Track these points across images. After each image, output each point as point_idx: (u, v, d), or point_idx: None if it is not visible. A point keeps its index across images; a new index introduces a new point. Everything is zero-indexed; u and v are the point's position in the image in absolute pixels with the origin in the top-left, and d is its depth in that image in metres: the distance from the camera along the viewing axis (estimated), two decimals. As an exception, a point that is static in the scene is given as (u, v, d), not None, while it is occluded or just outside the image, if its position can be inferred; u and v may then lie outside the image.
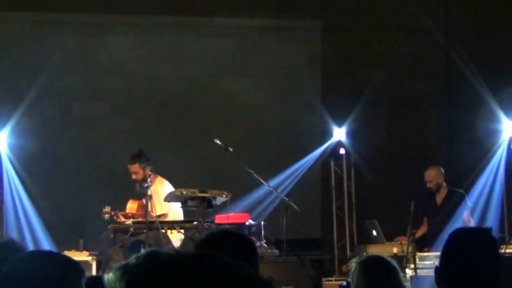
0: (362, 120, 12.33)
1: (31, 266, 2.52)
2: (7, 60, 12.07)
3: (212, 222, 9.47)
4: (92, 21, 12.33)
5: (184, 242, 9.35)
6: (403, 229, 9.60)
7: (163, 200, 9.56)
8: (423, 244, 9.97)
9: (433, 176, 10.33)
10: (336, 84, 12.89)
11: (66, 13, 12.21)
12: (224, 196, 9.33)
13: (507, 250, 9.66)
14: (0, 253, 3.13)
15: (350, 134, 12.33)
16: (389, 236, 10.09)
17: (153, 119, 12.48)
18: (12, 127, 11.38)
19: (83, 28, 12.37)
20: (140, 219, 9.59)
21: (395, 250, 9.57)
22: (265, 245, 9.54)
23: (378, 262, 4.13)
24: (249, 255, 3.10)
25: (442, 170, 10.47)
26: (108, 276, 2.94)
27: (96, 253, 9.63)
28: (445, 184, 10.42)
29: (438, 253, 3.39)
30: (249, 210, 10.68)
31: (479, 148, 12.21)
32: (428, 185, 10.34)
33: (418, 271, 9.07)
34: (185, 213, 9.81)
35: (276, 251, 9.81)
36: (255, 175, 9.76)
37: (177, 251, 1.65)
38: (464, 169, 12.08)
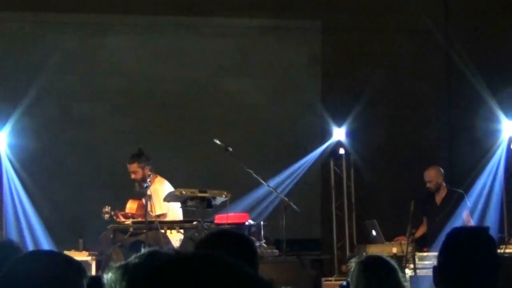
0: (362, 120, 12.34)
1: (31, 266, 2.52)
2: (7, 60, 12.07)
3: (212, 222, 9.47)
4: (92, 21, 12.33)
5: (183, 242, 9.35)
6: (403, 229, 9.61)
7: (163, 200, 9.56)
8: (423, 244, 9.97)
9: (432, 176, 10.33)
10: (336, 84, 12.90)
11: (66, 13, 12.21)
12: (223, 196, 9.33)
13: (507, 250, 9.66)
14: (-2, 254, 3.14)
15: (350, 134, 12.34)
16: (389, 236, 10.09)
17: (153, 119, 12.48)
18: (12, 127, 11.38)
19: (83, 28, 12.37)
20: (139, 219, 9.58)
21: (394, 250, 9.58)
22: (265, 245, 9.54)
23: (377, 262, 4.13)
24: (248, 255, 3.11)
25: (442, 170, 10.47)
26: (108, 276, 2.94)
27: (96, 253, 9.63)
28: (444, 184, 10.42)
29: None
30: (249, 210, 10.69)
31: (479, 148, 12.21)
32: (428, 185, 10.34)
33: (417, 271, 9.07)
34: (185, 213, 9.81)
35: (276, 251, 9.81)
36: (255, 175, 9.76)
37: (177, 251, 1.65)
38: (464, 169, 12.09)
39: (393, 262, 4.13)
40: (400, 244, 9.58)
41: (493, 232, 10.81)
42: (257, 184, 10.34)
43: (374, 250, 9.52)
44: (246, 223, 9.59)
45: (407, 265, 9.13)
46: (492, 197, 11.81)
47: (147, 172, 9.59)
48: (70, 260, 2.62)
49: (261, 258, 7.63)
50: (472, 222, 10.34)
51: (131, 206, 9.85)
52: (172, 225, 9.52)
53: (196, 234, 9.12)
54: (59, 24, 12.30)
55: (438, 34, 12.94)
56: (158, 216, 9.51)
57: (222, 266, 1.52)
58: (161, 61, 12.54)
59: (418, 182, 10.57)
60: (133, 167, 9.72)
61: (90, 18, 12.30)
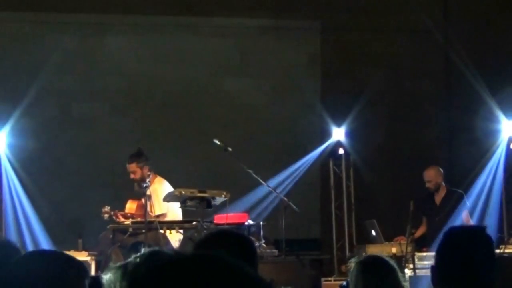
0: (361, 120, 12.34)
1: (32, 266, 2.53)
2: (7, 60, 12.08)
3: (211, 222, 9.46)
4: (92, 21, 12.33)
5: (183, 242, 9.34)
6: (402, 229, 9.61)
7: (162, 200, 9.56)
8: (422, 244, 9.97)
9: (432, 176, 10.33)
10: (335, 84, 12.90)
11: (66, 13, 12.21)
12: (223, 196, 9.32)
13: (506, 250, 9.66)
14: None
15: (349, 134, 12.34)
16: (388, 236, 10.09)
17: (153, 119, 12.48)
18: (11, 127, 11.38)
19: (83, 28, 12.37)
20: (139, 219, 9.58)
21: (394, 250, 9.58)
22: (264, 245, 9.54)
23: (376, 262, 4.13)
24: (248, 255, 3.11)
25: (441, 170, 10.47)
26: (108, 276, 2.95)
27: (95, 253, 9.62)
28: (444, 184, 10.41)
29: (437, 253, 3.40)
30: (248, 210, 10.69)
31: (478, 148, 12.22)
32: (427, 185, 10.34)
33: (417, 271, 9.07)
34: (184, 213, 9.81)
35: (275, 251, 9.81)
36: (254, 175, 9.76)
37: (178, 252, 1.66)
38: (463, 169, 12.09)
39: (392, 262, 4.14)
40: (400, 244, 9.58)
41: (493, 232, 10.85)
42: (257, 184, 10.34)
43: (373, 250, 9.52)
44: (246, 223, 9.59)
45: (407, 265, 9.14)
46: (491, 197, 11.81)
47: (146, 172, 9.58)
48: (71, 260, 2.62)
49: (260, 258, 7.63)
50: (471, 222, 10.34)
51: (131, 206, 9.85)
52: (172, 225, 9.52)
53: (196, 234, 9.11)
54: (59, 24, 12.30)
55: (438, 34, 12.95)
56: (158, 216, 9.50)
57: (223, 266, 1.53)
58: (161, 61, 12.54)
59: (418, 182, 10.57)
60: (132, 167, 9.72)
61: (90, 18, 12.31)
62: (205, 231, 8.69)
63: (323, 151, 12.30)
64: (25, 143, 11.57)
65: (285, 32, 12.91)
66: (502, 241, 10.16)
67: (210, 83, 12.71)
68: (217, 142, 9.75)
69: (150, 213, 9.36)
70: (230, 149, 9.72)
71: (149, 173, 9.57)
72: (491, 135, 12.17)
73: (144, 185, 9.37)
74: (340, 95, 12.60)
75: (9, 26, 12.19)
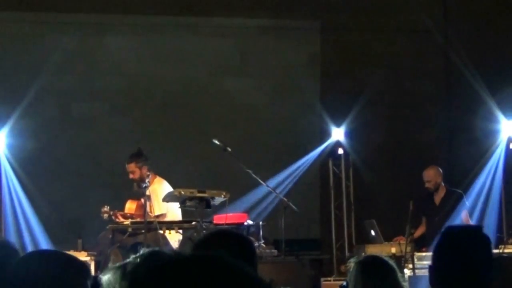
0: (361, 120, 12.35)
1: (33, 266, 2.53)
2: (7, 60, 12.07)
3: (211, 222, 9.46)
4: (92, 21, 12.33)
5: (182, 243, 9.34)
6: (402, 229, 9.61)
7: (162, 200, 9.55)
8: (422, 244, 9.97)
9: (431, 176, 10.32)
10: (335, 84, 12.90)
11: (65, 13, 12.21)
12: (222, 196, 9.32)
13: (505, 250, 9.66)
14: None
15: (349, 134, 12.34)
16: (388, 236, 10.09)
17: (152, 119, 12.49)
18: (11, 127, 11.37)
19: (82, 28, 12.37)
20: (138, 219, 9.58)
21: (393, 250, 9.58)
22: (264, 245, 9.54)
23: (376, 262, 4.13)
24: (247, 255, 3.11)
25: (441, 170, 10.46)
26: (107, 277, 2.95)
27: (95, 253, 9.62)
28: (443, 184, 10.41)
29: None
30: (248, 210, 10.69)
31: (478, 148, 12.22)
32: (427, 185, 10.33)
33: (416, 271, 9.07)
34: (184, 213, 9.81)
35: (275, 251, 9.80)
36: (254, 175, 9.76)
37: (177, 252, 1.66)
38: (463, 169, 12.09)
39: (392, 262, 4.14)
40: (399, 244, 9.58)
41: (492, 232, 10.85)
42: (256, 184, 10.34)
43: (373, 250, 9.52)
44: (245, 223, 9.59)
45: (406, 265, 9.14)
46: (491, 197, 11.82)
47: (145, 172, 9.58)
48: (73, 260, 2.62)
49: (260, 258, 7.64)
50: (471, 222, 10.33)
51: (130, 206, 9.84)
52: (171, 225, 9.51)
53: (195, 234, 9.11)
54: (59, 24, 12.30)
55: (438, 34, 12.95)
56: (157, 216, 9.49)
57: (223, 266, 1.53)
58: (160, 61, 12.54)
59: (417, 182, 10.57)
60: (131, 166, 9.72)
61: (89, 18, 12.31)
62: (204, 231, 8.69)
63: (323, 151, 12.31)
64: (24, 143, 11.57)
65: (285, 32, 12.92)
66: (501, 241, 10.16)
67: (210, 83, 12.71)
68: (216, 142, 9.75)
69: (150, 214, 9.36)
70: (229, 149, 9.72)
71: (148, 173, 9.56)
72: (491, 135, 12.18)
73: (144, 185, 9.36)
74: (339, 95, 12.61)
75: (9, 26, 12.19)
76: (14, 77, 11.96)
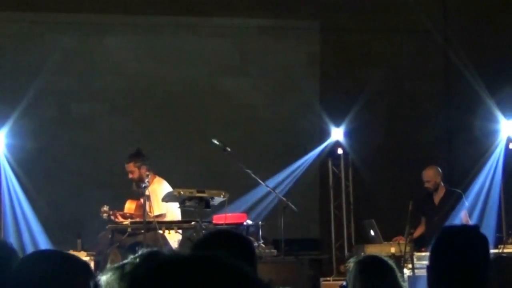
0: (360, 120, 12.35)
1: (36, 266, 2.52)
2: (6, 60, 12.07)
3: (210, 222, 9.47)
4: (92, 21, 12.33)
5: (181, 243, 9.35)
6: (401, 229, 9.61)
7: (161, 200, 9.55)
8: (421, 244, 9.96)
9: (431, 176, 10.33)
10: (334, 84, 12.91)
11: (65, 13, 12.21)
12: (221, 196, 9.32)
13: (505, 250, 9.66)
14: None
15: (348, 134, 12.35)
16: (387, 236, 10.09)
17: (152, 119, 12.49)
18: (10, 127, 11.37)
19: (82, 28, 12.37)
20: (138, 219, 9.58)
21: (393, 250, 9.58)
22: (263, 245, 9.54)
23: (375, 262, 4.13)
24: (247, 255, 3.11)
25: (440, 170, 10.46)
26: (106, 277, 2.95)
27: (94, 253, 9.62)
28: (443, 184, 10.41)
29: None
30: (247, 210, 10.70)
31: (477, 148, 12.22)
32: (426, 185, 10.34)
33: (415, 271, 9.07)
34: (183, 213, 9.81)
35: (274, 251, 9.80)
36: (253, 175, 9.76)
37: (177, 252, 1.66)
38: (462, 169, 12.10)
39: (391, 262, 4.14)
40: (399, 244, 9.58)
41: (491, 232, 10.82)
42: (256, 184, 10.34)
43: (372, 250, 9.52)
44: (245, 223, 9.59)
45: (405, 265, 9.14)
46: (490, 197, 11.82)
47: (144, 172, 9.57)
48: (76, 260, 2.61)
49: (259, 258, 7.64)
50: (470, 222, 10.34)
51: (130, 206, 9.84)
52: (170, 225, 9.51)
53: (194, 234, 9.11)
54: (58, 24, 12.30)
55: (437, 34, 12.96)
56: (157, 216, 9.49)
57: (222, 266, 1.53)
58: (160, 61, 12.55)
59: (417, 182, 10.57)
60: (130, 166, 9.73)
61: (89, 18, 12.31)
62: (203, 231, 8.69)
63: (322, 151, 12.32)
64: (24, 143, 11.57)
65: (284, 32, 12.92)
66: (500, 241, 10.16)
67: (209, 83, 12.71)
68: (216, 142, 9.75)
69: (149, 213, 9.36)
70: (229, 149, 9.72)
71: (147, 173, 9.55)
72: (490, 135, 12.19)
73: (143, 185, 9.36)
74: (339, 95, 12.61)
75: (9, 26, 12.19)
76: (13, 77, 11.96)
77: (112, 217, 9.63)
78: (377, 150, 12.76)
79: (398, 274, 4.11)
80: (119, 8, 12.38)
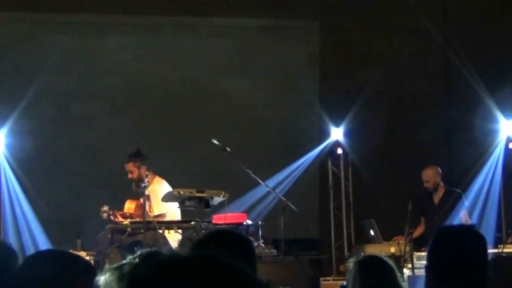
0: (360, 120, 12.35)
1: (39, 265, 2.53)
2: (6, 60, 12.08)
3: (210, 222, 9.47)
4: (92, 21, 12.34)
5: (181, 242, 9.34)
6: (401, 228, 9.62)
7: (161, 200, 9.55)
8: (421, 243, 9.96)
9: (430, 175, 10.33)
10: (334, 83, 12.91)
11: (65, 13, 12.22)
12: (221, 196, 9.32)
13: (505, 250, 9.67)
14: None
15: (348, 133, 12.35)
16: (387, 236, 10.10)
17: (152, 119, 12.49)
18: (10, 127, 11.37)
19: (82, 28, 12.37)
20: (138, 219, 9.57)
21: (392, 249, 9.58)
22: (263, 245, 9.54)
23: (375, 262, 4.14)
24: (246, 255, 3.11)
25: (440, 169, 10.47)
26: (105, 277, 2.95)
27: (94, 253, 9.62)
28: (442, 184, 10.42)
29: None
30: (247, 210, 10.70)
31: (477, 148, 12.23)
32: (426, 184, 10.34)
33: (415, 270, 9.07)
34: (183, 213, 9.81)
35: (274, 251, 9.81)
36: (253, 175, 9.76)
37: (177, 252, 1.66)
38: (462, 168, 12.10)
39: (391, 262, 4.14)
40: (398, 243, 9.59)
41: (491, 232, 10.82)
42: (255, 184, 10.34)
43: (372, 249, 9.53)
44: (244, 223, 9.59)
45: (405, 264, 9.14)
46: (490, 197, 11.82)
47: (143, 172, 9.57)
48: (79, 259, 2.61)
49: (259, 258, 7.65)
50: (469, 222, 10.34)
51: (129, 206, 9.84)
52: (170, 225, 9.51)
53: (194, 234, 9.11)
54: (58, 24, 12.30)
55: (437, 34, 12.96)
56: (157, 216, 9.49)
57: (222, 266, 1.54)
58: (160, 61, 12.55)
59: (416, 182, 10.58)
60: (129, 166, 9.73)
61: (89, 18, 12.31)
62: (203, 231, 8.69)
63: (322, 151, 12.32)
64: (23, 143, 11.57)
65: (284, 32, 12.92)
66: (500, 241, 10.16)
67: (209, 83, 12.71)
68: (215, 142, 9.75)
69: (149, 213, 9.36)
70: (228, 149, 9.72)
71: (147, 173, 9.55)
72: (490, 134, 12.19)
73: (143, 185, 9.36)
74: (339, 94, 12.62)
75: (9, 26, 12.19)
76: (13, 77, 11.96)
77: (112, 217, 9.63)
78: (377, 150, 12.77)
79: (398, 274, 4.12)
80: (119, 8, 12.38)
